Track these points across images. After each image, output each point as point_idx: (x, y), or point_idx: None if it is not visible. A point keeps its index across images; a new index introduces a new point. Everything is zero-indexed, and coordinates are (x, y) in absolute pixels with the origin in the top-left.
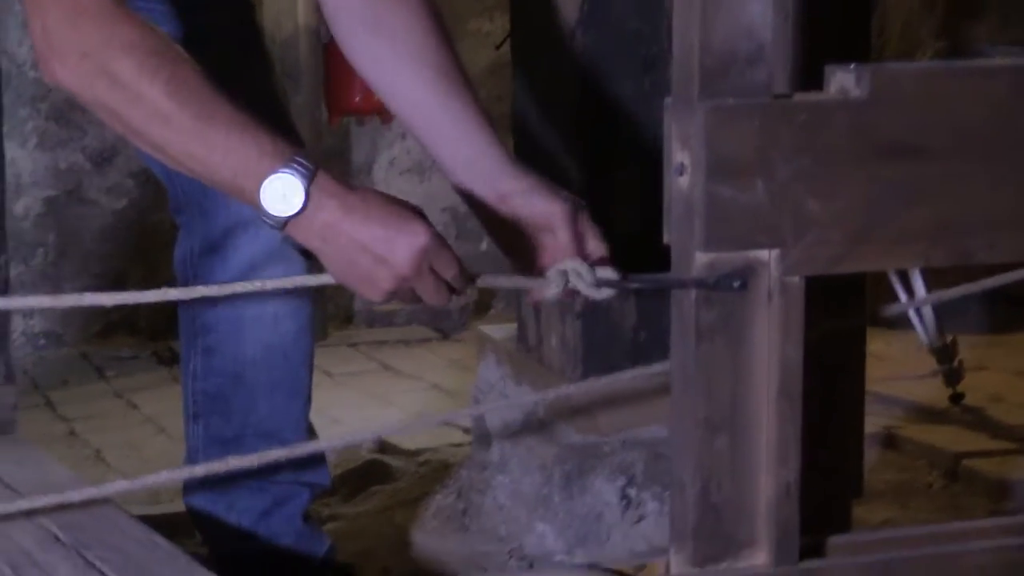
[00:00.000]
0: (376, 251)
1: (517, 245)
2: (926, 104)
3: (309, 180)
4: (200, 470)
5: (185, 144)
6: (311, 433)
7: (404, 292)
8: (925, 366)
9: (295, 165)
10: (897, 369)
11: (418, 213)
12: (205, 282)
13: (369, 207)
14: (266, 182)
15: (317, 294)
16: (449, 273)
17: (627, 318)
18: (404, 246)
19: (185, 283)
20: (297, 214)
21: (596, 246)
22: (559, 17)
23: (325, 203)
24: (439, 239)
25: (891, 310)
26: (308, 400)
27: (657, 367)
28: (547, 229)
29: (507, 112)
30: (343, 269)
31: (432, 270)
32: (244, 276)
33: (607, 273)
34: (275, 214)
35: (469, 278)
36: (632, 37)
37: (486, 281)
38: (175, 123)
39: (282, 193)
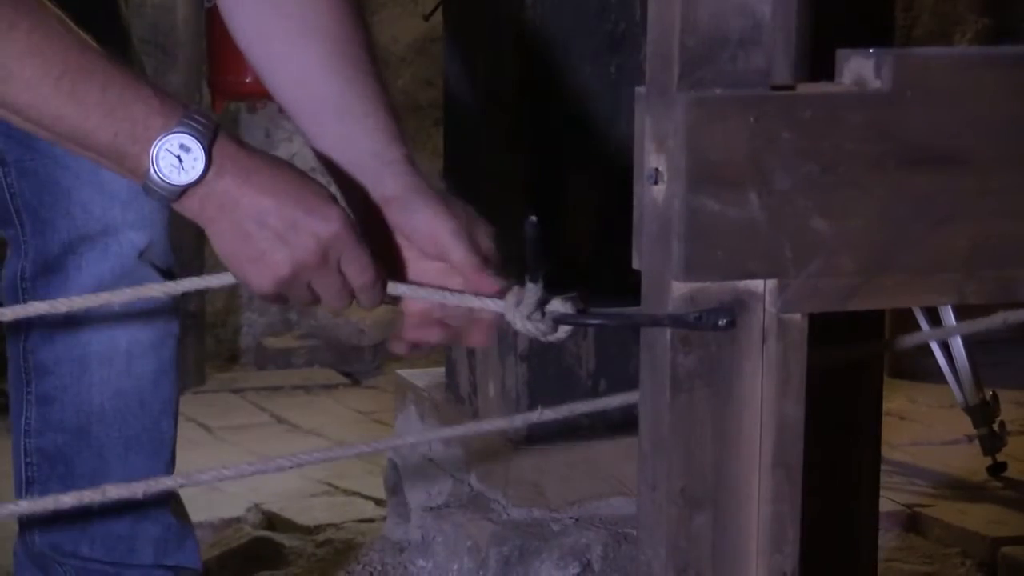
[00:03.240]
0: (278, 227)
1: (400, 266)
2: (963, 100)
3: (209, 140)
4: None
5: (54, 105)
6: (176, 503)
7: (298, 286)
8: (958, 428)
9: (191, 123)
10: (923, 432)
11: (333, 197)
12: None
13: (278, 177)
14: (157, 143)
15: (189, 325)
16: (358, 272)
17: (583, 362)
18: (312, 228)
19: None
20: (196, 182)
21: (487, 280)
22: None
23: (227, 167)
24: (354, 231)
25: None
26: (172, 460)
27: (618, 398)
28: (432, 250)
29: (437, 99)
30: (234, 245)
31: (338, 265)
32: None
33: (556, 307)
34: (170, 182)
35: (382, 283)
36: (595, 9)
37: (399, 290)
38: (40, 82)
39: (177, 156)
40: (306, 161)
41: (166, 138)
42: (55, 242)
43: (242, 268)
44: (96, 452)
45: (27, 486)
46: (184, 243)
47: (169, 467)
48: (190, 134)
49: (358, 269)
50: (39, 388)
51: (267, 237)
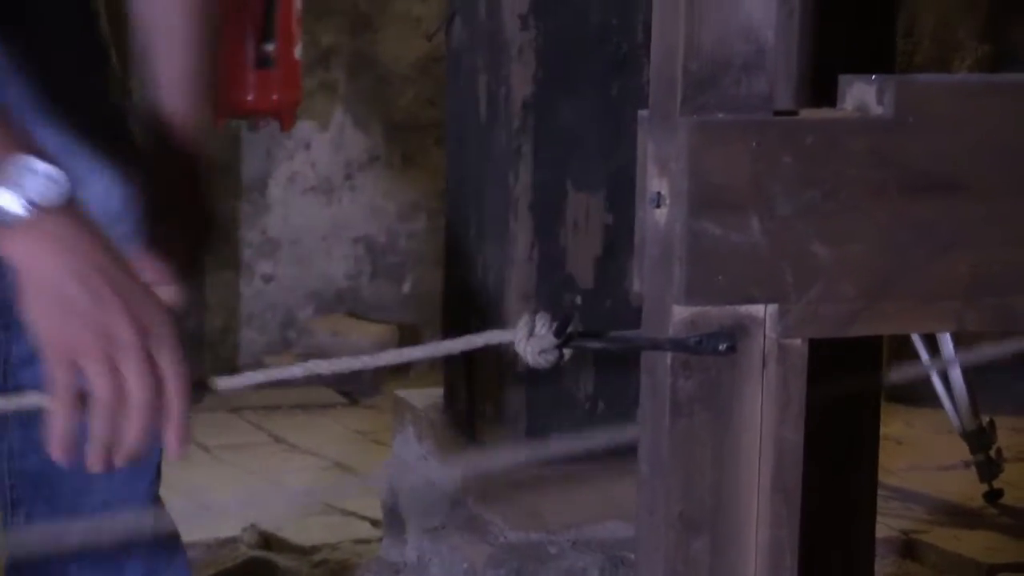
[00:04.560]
0: (105, 289)
1: None
2: (965, 126)
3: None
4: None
5: None
6: (162, 519)
7: (95, 356)
8: (955, 454)
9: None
10: (920, 457)
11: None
12: (21, 334)
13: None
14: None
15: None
16: (171, 368)
17: (582, 385)
18: (144, 300)
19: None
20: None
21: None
22: (507, 1)
23: (69, 209)
24: (176, 331)
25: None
26: (157, 478)
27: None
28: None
29: (438, 118)
30: (51, 289)
31: (150, 355)
32: None
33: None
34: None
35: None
36: (597, 30)
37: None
38: None
39: (31, 176)
40: (307, 180)
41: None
42: None
43: (44, 313)
44: (79, 472)
45: (13, 508)
46: None
47: (154, 485)
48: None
49: (172, 357)
50: (19, 412)
51: (90, 292)
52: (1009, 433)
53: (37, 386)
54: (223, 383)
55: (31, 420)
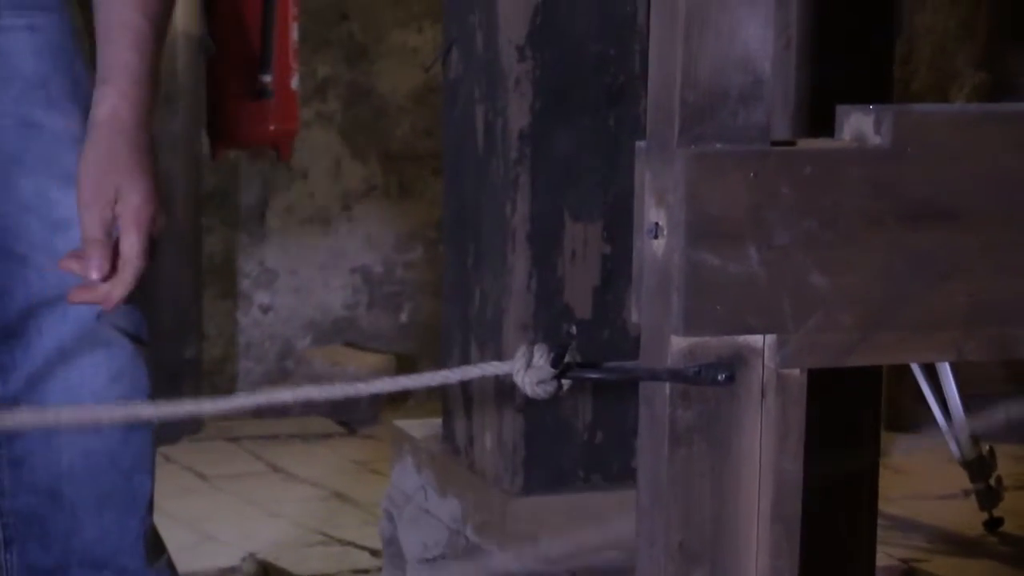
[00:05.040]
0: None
1: None
2: (963, 156)
3: None
4: None
5: None
6: (155, 554)
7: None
8: (955, 483)
9: None
10: (920, 486)
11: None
12: (6, 376)
13: None
14: None
15: (186, 373)
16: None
17: (580, 414)
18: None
19: None
20: None
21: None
22: (504, 32)
23: None
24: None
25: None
26: (149, 513)
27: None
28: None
29: (435, 149)
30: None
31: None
32: (53, 366)
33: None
34: None
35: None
36: (594, 60)
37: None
38: None
39: None
40: (304, 211)
41: None
42: (13, 308)
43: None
44: (69, 512)
45: (5, 547)
46: (181, 294)
47: (145, 522)
48: None
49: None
50: (10, 451)
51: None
52: (1010, 461)
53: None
54: (215, 405)
55: (19, 462)
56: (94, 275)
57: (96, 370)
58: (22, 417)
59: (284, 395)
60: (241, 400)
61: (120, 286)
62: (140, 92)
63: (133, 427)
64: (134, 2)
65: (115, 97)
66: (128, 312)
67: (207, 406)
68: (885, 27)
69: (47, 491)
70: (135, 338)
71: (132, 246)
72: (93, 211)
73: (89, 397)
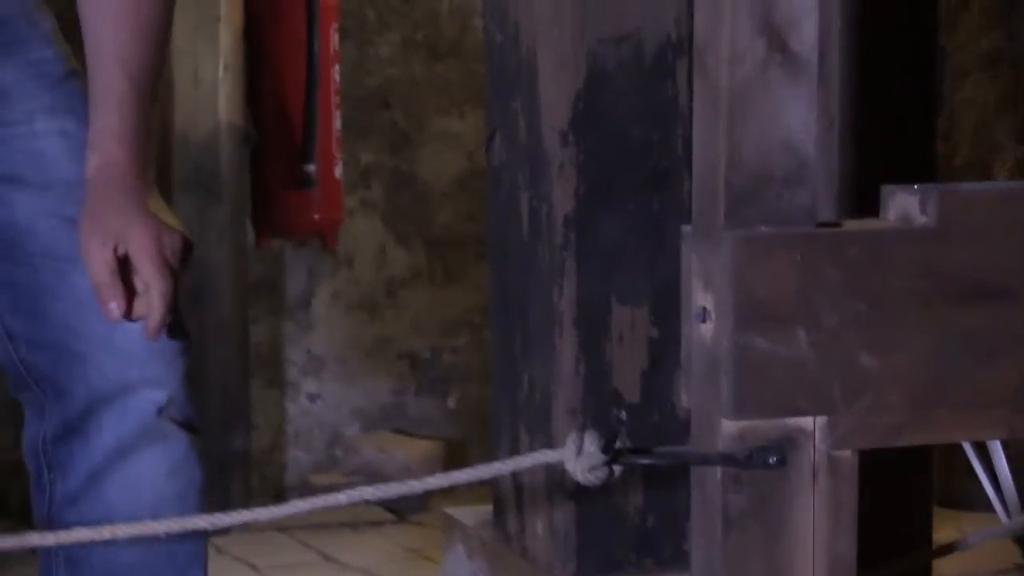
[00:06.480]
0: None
1: None
2: (1010, 234)
3: None
4: None
5: None
6: None
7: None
8: (1008, 558)
9: None
10: (972, 562)
11: None
12: (65, 472)
13: None
14: None
15: (235, 463)
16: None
17: (631, 499)
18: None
19: (39, 474)
20: None
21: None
22: (547, 118)
23: None
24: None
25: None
26: None
27: None
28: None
29: (478, 234)
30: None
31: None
32: (112, 462)
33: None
34: None
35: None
36: (637, 145)
37: None
38: None
39: None
40: (350, 298)
41: None
42: (73, 406)
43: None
44: None
45: None
46: (229, 384)
47: None
48: None
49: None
50: (66, 550)
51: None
52: None
53: (75, 460)
54: (270, 512)
55: (77, 561)
56: (115, 315)
57: (154, 465)
58: (80, 534)
59: (339, 498)
60: (295, 506)
61: (149, 310)
62: (125, 152)
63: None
64: (117, 66)
65: (100, 158)
66: (184, 403)
67: (262, 513)
68: (927, 104)
69: None
70: (190, 428)
71: (147, 270)
72: (93, 255)
73: (148, 492)
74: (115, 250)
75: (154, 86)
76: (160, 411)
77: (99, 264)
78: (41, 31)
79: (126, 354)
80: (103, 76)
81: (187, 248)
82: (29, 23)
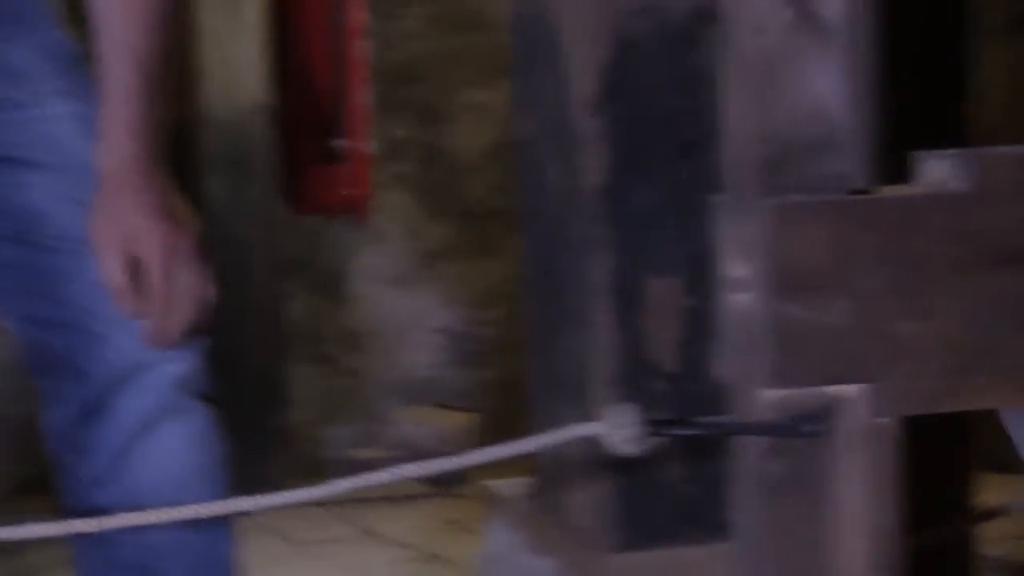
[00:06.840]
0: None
1: None
2: None
3: None
4: None
5: None
6: None
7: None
8: None
9: None
10: (1017, 527)
11: None
12: (89, 454)
13: None
14: None
15: (275, 438)
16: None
17: (672, 469)
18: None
19: (63, 458)
20: None
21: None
22: (575, 89)
23: None
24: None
25: None
26: None
27: None
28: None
29: (509, 206)
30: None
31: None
32: (134, 439)
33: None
34: None
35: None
36: (667, 115)
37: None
38: None
39: None
40: (385, 273)
41: None
42: (92, 387)
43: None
44: None
45: None
46: (267, 361)
47: None
48: None
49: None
50: (98, 532)
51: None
52: None
53: (99, 441)
54: (310, 493)
55: (107, 541)
56: (130, 316)
57: (177, 439)
58: (121, 520)
59: (381, 476)
60: (337, 485)
61: (152, 314)
62: (138, 145)
63: (217, 498)
64: (128, 58)
65: (113, 151)
66: (202, 376)
67: (302, 494)
68: (958, 69)
69: (138, 568)
70: (211, 401)
71: (154, 275)
72: (108, 259)
73: (173, 466)
74: (130, 253)
75: (165, 77)
76: (179, 385)
77: (114, 269)
78: (49, 14)
79: (143, 332)
80: (114, 68)
81: (204, 244)
82: (38, 4)
